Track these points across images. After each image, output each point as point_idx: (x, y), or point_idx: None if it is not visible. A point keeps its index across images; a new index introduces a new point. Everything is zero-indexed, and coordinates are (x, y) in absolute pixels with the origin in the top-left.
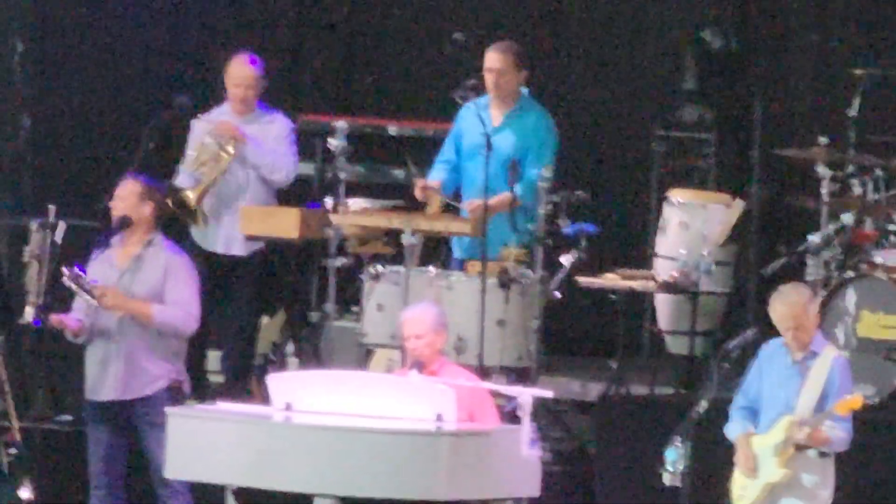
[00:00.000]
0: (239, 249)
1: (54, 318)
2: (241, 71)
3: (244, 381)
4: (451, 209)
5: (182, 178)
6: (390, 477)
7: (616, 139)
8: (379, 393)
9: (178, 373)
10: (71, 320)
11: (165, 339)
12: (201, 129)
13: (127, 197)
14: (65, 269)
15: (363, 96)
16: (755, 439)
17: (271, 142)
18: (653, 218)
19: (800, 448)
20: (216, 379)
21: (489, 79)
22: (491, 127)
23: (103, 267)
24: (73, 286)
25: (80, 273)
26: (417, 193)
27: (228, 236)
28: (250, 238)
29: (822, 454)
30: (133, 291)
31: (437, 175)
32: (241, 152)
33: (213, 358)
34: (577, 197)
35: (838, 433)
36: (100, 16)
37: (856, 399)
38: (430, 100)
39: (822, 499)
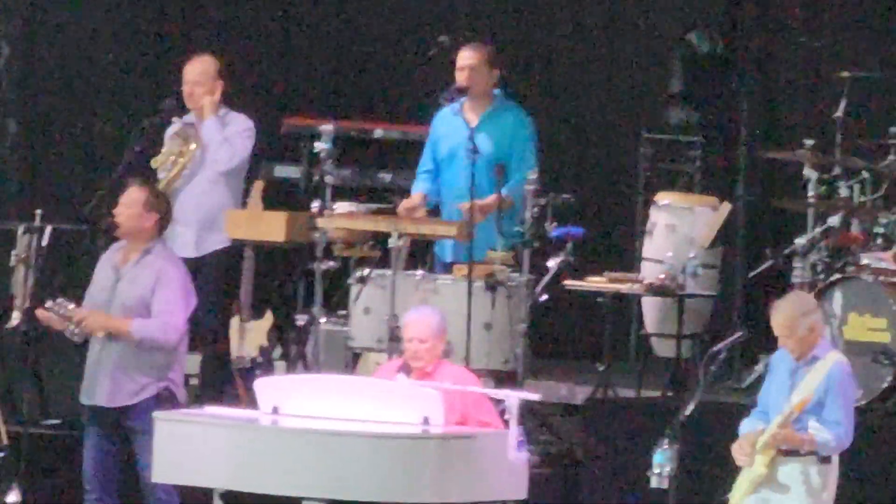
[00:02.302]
0: (192, 252)
1: (39, 313)
2: (186, 69)
3: (218, 384)
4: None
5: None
6: (377, 480)
7: (603, 142)
8: (366, 396)
9: (169, 381)
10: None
11: (153, 350)
12: (171, 130)
13: (132, 205)
14: (48, 303)
15: (349, 100)
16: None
17: (220, 138)
18: (639, 221)
19: (794, 454)
20: (195, 383)
21: (461, 76)
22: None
23: (106, 269)
24: (56, 317)
25: (61, 302)
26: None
27: (182, 239)
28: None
29: (824, 460)
30: (125, 296)
31: (420, 187)
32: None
33: (191, 362)
34: (563, 200)
35: (824, 435)
36: (85, 19)
37: (807, 397)
38: (416, 103)
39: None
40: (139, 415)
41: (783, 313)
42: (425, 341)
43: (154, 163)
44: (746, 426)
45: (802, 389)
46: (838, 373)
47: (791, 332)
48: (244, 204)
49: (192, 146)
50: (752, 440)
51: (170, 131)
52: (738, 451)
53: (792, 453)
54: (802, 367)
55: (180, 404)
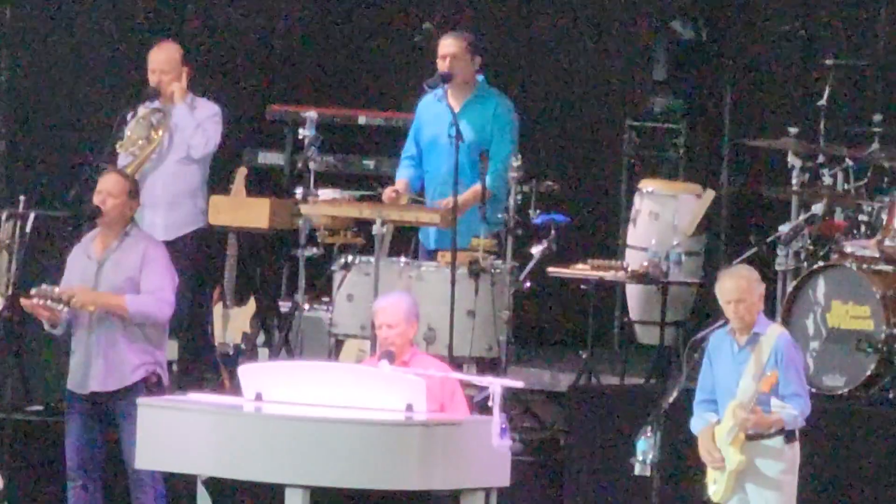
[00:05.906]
0: (161, 235)
1: (25, 302)
2: (151, 57)
3: (197, 367)
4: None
5: (121, 159)
6: (361, 467)
7: (587, 129)
8: (349, 383)
9: (157, 364)
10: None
11: (143, 327)
12: (138, 114)
13: (118, 194)
14: (32, 291)
15: (333, 87)
16: (716, 430)
17: (193, 123)
18: (623, 208)
19: (758, 437)
20: (175, 369)
21: (443, 65)
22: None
23: (81, 260)
24: (43, 302)
25: (45, 287)
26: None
27: (150, 223)
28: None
29: (788, 439)
30: (111, 280)
31: (403, 173)
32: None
33: (171, 348)
34: (547, 187)
35: (789, 411)
36: (70, 8)
37: (773, 374)
38: (400, 90)
39: (786, 484)
40: (131, 399)
41: (742, 276)
42: (394, 326)
43: (119, 147)
44: (698, 424)
45: (753, 368)
46: (784, 344)
47: (748, 294)
48: (212, 186)
49: (161, 132)
50: (710, 435)
51: (133, 115)
52: (707, 455)
53: (758, 436)
54: (746, 347)
55: (166, 389)
